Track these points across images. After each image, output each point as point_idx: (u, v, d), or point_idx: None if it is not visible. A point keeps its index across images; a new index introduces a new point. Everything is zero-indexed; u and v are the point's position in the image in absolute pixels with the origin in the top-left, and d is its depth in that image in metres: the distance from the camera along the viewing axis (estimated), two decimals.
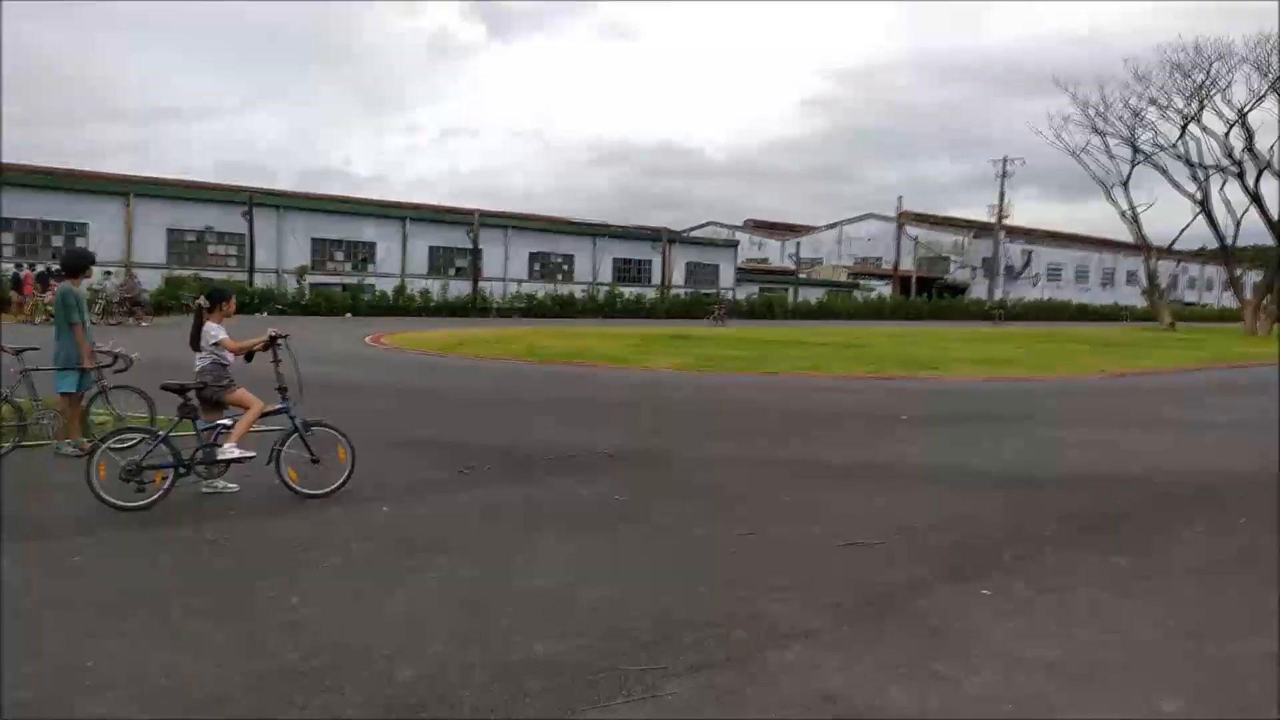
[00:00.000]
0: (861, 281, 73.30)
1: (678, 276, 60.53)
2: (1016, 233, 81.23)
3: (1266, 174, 47.56)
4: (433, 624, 3.94)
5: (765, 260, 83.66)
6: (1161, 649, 3.90)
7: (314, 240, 46.56)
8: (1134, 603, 4.50)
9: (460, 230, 50.62)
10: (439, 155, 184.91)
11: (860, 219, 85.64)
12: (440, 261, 50.80)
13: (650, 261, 59.64)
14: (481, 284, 49.57)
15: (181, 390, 6.08)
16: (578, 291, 52.74)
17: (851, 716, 3.15)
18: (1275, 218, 48.17)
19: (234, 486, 6.23)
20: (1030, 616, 4.25)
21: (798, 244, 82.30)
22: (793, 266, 74.88)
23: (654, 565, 4.94)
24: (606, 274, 57.18)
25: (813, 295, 66.00)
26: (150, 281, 39.00)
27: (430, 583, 4.52)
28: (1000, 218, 72.04)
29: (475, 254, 49.80)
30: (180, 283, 38.14)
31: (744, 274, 66.66)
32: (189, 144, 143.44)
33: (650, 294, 56.13)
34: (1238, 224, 50.63)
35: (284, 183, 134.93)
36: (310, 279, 44.02)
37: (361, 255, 48.38)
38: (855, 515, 6.15)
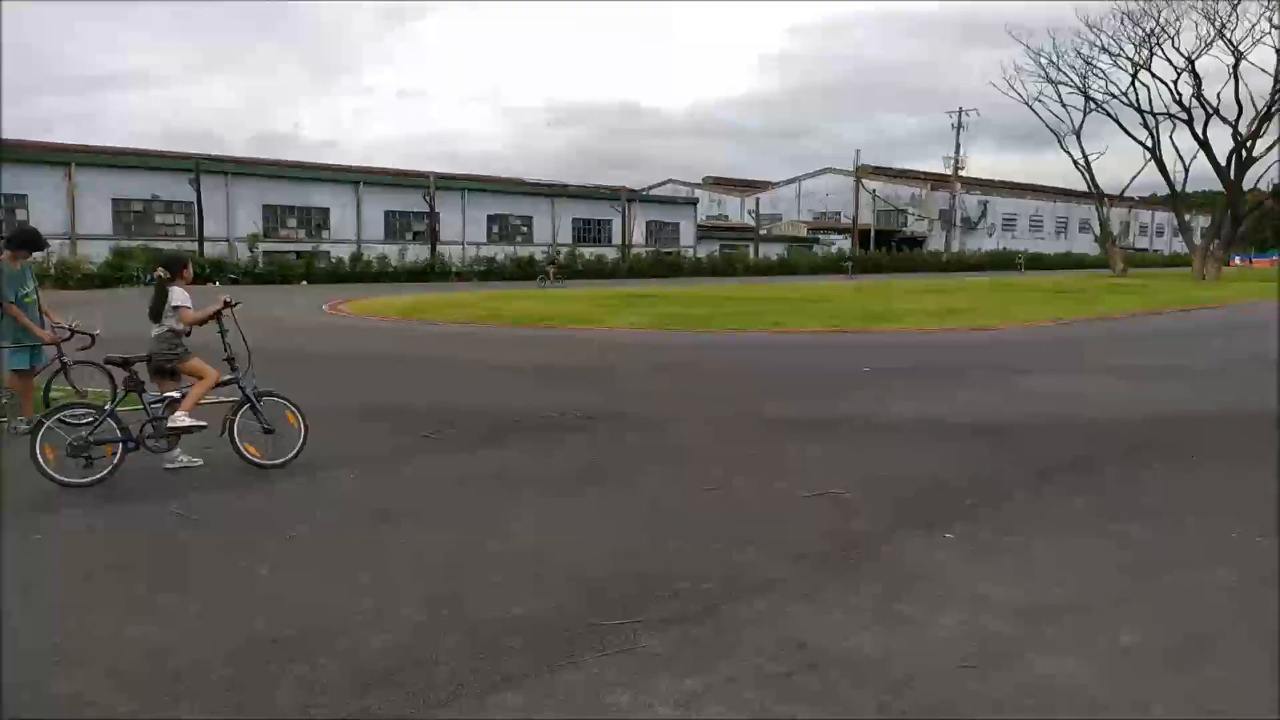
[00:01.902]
0: (821, 236, 73.61)
1: (638, 236, 60.31)
2: (973, 184, 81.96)
3: (1215, 120, 48.34)
4: (406, 590, 3.94)
5: (725, 217, 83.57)
6: (1120, 586, 4.02)
7: (265, 207, 45.57)
8: (1094, 542, 4.63)
9: (416, 194, 49.82)
10: (392, 119, 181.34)
11: (818, 174, 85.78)
12: (396, 226, 50.04)
13: (610, 221, 59.30)
14: (440, 248, 48.97)
15: (125, 363, 5.96)
16: (538, 253, 52.33)
17: (822, 660, 3.22)
18: (1223, 163, 49.06)
19: (198, 461, 6.14)
20: (994, 560, 4.36)
21: (757, 200, 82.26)
22: (752, 223, 74.88)
23: (626, 524, 4.98)
24: (566, 235, 56.77)
25: (773, 251, 66.17)
26: (96, 254, 37.99)
27: (402, 550, 4.51)
28: (956, 169, 72.60)
29: (432, 217, 49.10)
30: (128, 254, 37.17)
31: (704, 231, 66.58)
32: (133, 113, 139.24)
33: (611, 254, 55.90)
34: (1187, 170, 51.55)
35: (233, 149, 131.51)
36: (263, 246, 43.15)
37: (315, 221, 47.46)
38: (822, 468, 6.23)
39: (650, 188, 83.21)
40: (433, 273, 45.47)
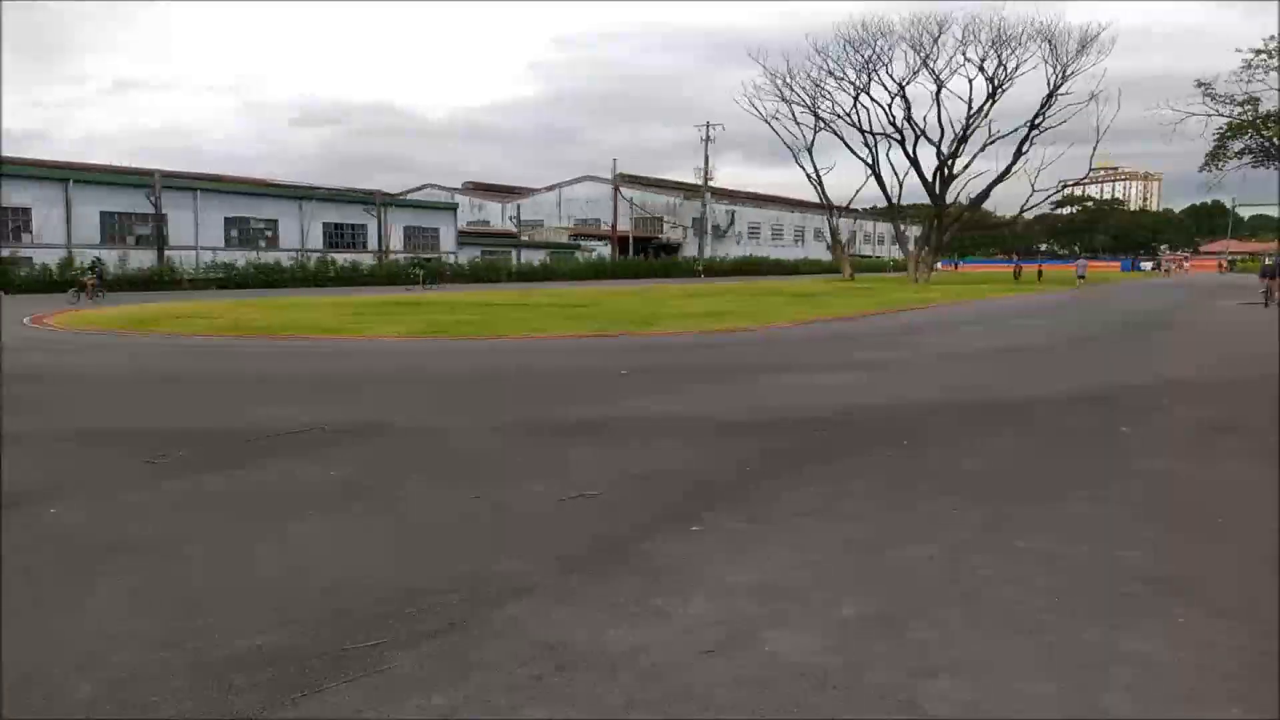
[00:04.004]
0: (582, 243, 74.91)
1: (396, 241, 58.26)
2: (721, 194, 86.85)
3: (922, 141, 54.64)
4: (120, 631, 3.53)
5: (487, 223, 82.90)
6: (846, 562, 4.40)
7: None
8: (826, 525, 5.03)
9: (141, 193, 45.03)
10: (113, 111, 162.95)
11: (578, 181, 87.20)
12: (116, 229, 45.00)
13: (365, 226, 56.82)
14: (169, 253, 44.63)
15: None
16: (285, 259, 49.07)
17: (573, 660, 3.25)
18: (930, 179, 55.49)
19: None
20: (738, 548, 4.61)
21: (518, 206, 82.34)
22: (514, 229, 74.81)
23: (378, 540, 4.77)
24: (317, 240, 53.72)
25: (535, 257, 66.41)
26: None
27: (116, 587, 4.03)
28: (706, 180, 76.64)
29: (158, 219, 44.65)
30: None
31: (466, 237, 65.59)
32: None
33: (367, 260, 53.59)
34: (901, 185, 57.93)
35: None
36: None
37: (14, 223, 41.62)
38: (582, 469, 6.31)
39: (408, 191, 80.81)
40: (161, 281, 41.25)
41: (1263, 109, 40.17)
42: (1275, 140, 39.94)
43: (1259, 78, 39.32)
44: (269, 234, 51.72)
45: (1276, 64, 38.32)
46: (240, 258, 47.25)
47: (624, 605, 3.80)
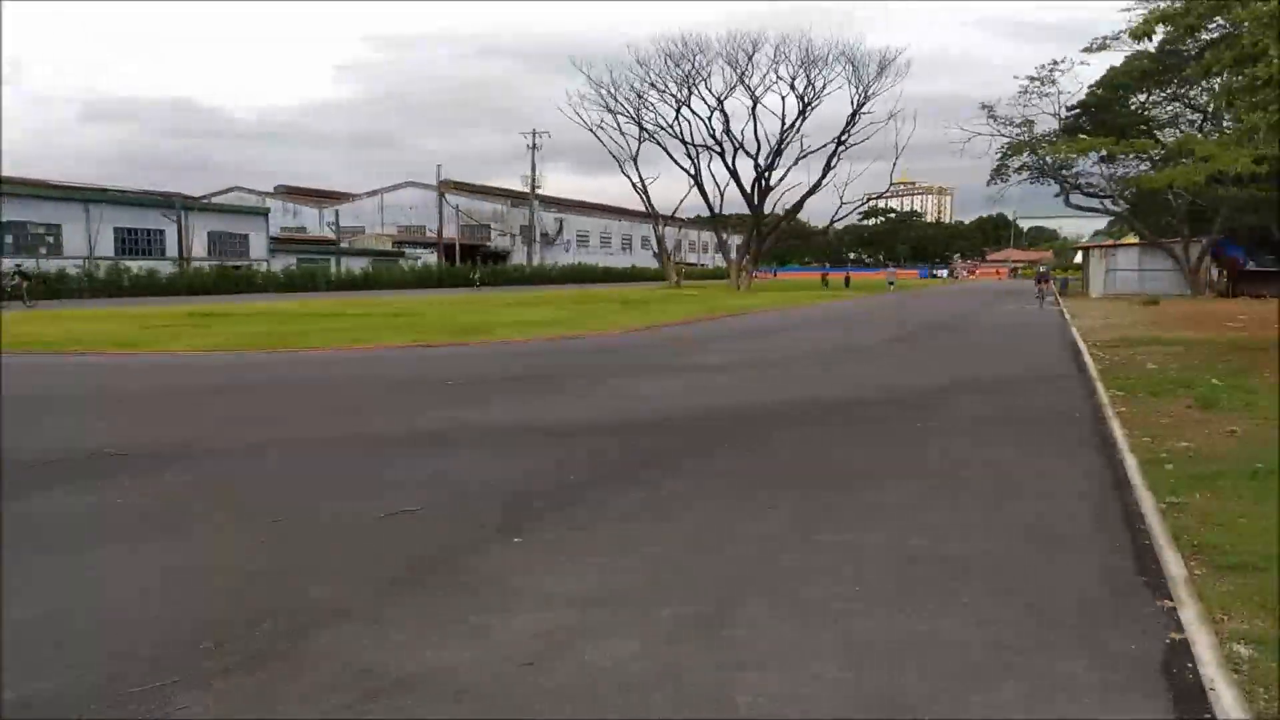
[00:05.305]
0: (407, 250, 72.81)
1: (199, 248, 54.44)
2: (550, 202, 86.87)
3: (741, 153, 56.92)
4: None
5: (303, 229, 78.96)
6: (668, 566, 4.48)
7: None
8: (648, 529, 5.10)
9: None
10: None
11: (400, 187, 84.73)
12: None
13: (164, 231, 52.75)
14: None
15: None
16: (70, 267, 44.72)
17: (387, 686, 3.13)
18: (748, 190, 57.87)
19: None
20: (560, 558, 4.60)
21: (336, 212, 78.94)
22: (333, 235, 71.65)
23: (171, 572, 4.41)
24: (107, 247, 49.33)
25: (357, 265, 63.90)
26: None
27: None
28: (534, 187, 76.49)
29: None
30: None
31: (279, 244, 62.25)
32: None
33: (166, 268, 49.76)
34: (722, 195, 59.99)
35: None
36: None
37: None
38: (402, 484, 6.11)
39: (213, 194, 75.76)
40: None
41: (1038, 130, 44.53)
42: (1048, 159, 44.29)
43: (1034, 102, 43.60)
44: (50, 239, 47.02)
45: (1048, 90, 42.62)
46: (16, 265, 42.60)
47: (443, 624, 3.70)
